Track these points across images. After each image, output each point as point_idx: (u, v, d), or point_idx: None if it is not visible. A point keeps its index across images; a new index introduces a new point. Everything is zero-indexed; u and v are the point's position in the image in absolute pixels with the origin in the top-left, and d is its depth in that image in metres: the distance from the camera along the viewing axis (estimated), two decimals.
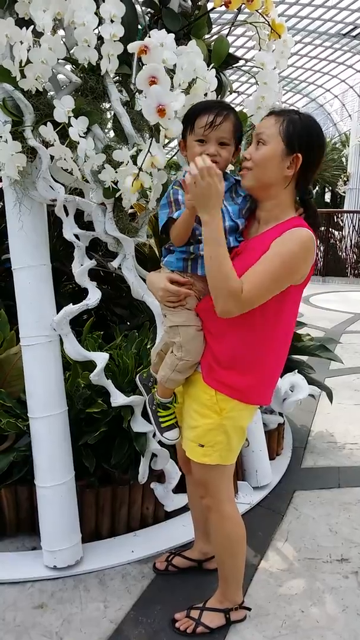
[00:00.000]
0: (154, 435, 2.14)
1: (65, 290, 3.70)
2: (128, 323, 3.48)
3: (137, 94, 2.13)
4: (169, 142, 1.92)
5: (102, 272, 3.88)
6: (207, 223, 1.59)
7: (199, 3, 2.47)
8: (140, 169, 1.74)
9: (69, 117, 1.85)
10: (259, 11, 2.10)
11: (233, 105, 1.82)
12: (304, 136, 1.63)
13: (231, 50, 2.44)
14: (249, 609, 2.07)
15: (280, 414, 3.28)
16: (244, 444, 2.77)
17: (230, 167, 1.87)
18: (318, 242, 12.86)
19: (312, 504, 2.84)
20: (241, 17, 2.33)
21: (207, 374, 1.79)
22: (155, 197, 2.02)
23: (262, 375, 1.81)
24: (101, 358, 2.23)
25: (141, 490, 2.52)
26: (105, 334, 3.11)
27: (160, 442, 2.24)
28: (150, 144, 1.72)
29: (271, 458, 3.19)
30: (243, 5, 2.11)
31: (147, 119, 1.68)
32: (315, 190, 20.12)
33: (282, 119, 1.64)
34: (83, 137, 1.87)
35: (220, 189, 1.56)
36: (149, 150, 1.71)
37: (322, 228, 13.06)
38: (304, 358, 3.62)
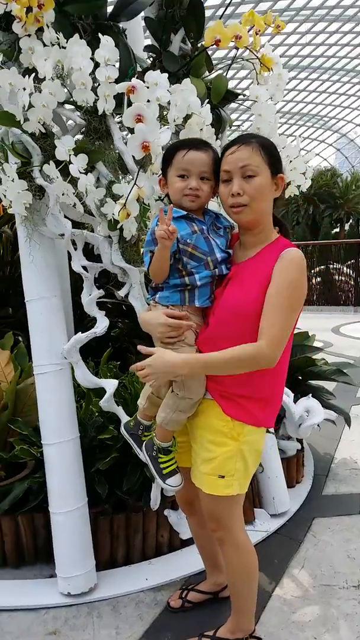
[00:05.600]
0: (153, 479, 2.10)
1: (87, 322, 3.81)
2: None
3: None
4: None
5: (124, 307, 3.97)
6: (189, 372, 1.70)
7: (198, 45, 2.61)
8: (127, 200, 1.82)
9: (70, 155, 1.97)
10: (249, 47, 2.20)
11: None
12: (277, 156, 1.71)
13: (239, 86, 2.56)
14: (260, 639, 2.04)
15: (299, 441, 3.27)
16: (258, 469, 2.79)
17: (214, 204, 1.90)
18: (350, 271, 12.81)
19: (331, 531, 2.79)
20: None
21: (227, 405, 1.76)
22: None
23: (274, 398, 1.83)
24: (110, 385, 2.30)
25: (155, 517, 2.53)
26: (124, 365, 3.19)
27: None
28: (137, 176, 1.81)
29: (291, 486, 3.17)
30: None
31: (132, 154, 1.77)
32: (349, 223, 20.15)
33: (255, 146, 1.68)
34: (83, 173, 1.98)
35: (173, 358, 1.67)
36: (135, 182, 1.80)
37: (353, 260, 13.07)
38: (322, 383, 3.60)
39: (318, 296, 13.37)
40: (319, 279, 13.58)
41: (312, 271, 13.59)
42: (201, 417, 1.82)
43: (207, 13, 2.52)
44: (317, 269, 13.57)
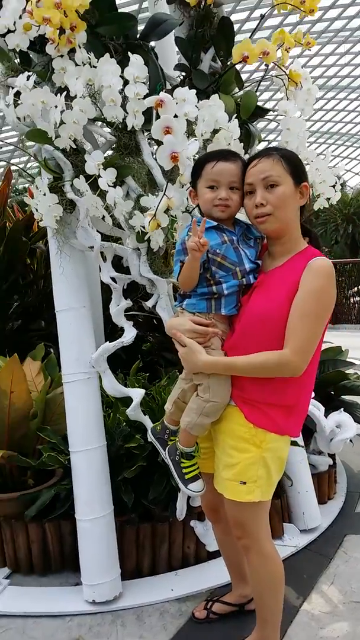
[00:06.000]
0: (178, 488, 2.13)
1: (118, 335, 3.87)
2: (177, 366, 3.57)
3: None
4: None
5: (154, 321, 4.02)
6: (214, 372, 1.77)
7: (228, 63, 2.67)
8: (156, 210, 1.87)
9: (99, 169, 2.04)
10: (276, 63, 2.24)
11: None
12: (300, 165, 1.74)
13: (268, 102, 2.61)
14: None
15: (331, 456, 3.22)
16: (287, 483, 2.76)
17: (242, 214, 1.94)
18: None
19: None
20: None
21: (250, 411, 1.77)
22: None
23: (299, 407, 1.83)
24: (137, 394, 2.33)
25: (182, 528, 2.53)
26: (153, 377, 3.23)
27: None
28: (166, 187, 1.85)
29: (322, 502, 3.12)
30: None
31: (161, 164, 1.82)
32: None
33: (276, 157, 1.72)
34: (112, 186, 2.04)
35: (200, 360, 1.75)
36: (164, 193, 1.85)
37: None
38: (357, 399, 3.54)
39: (357, 315, 13.17)
40: (357, 298, 13.38)
41: (351, 290, 13.41)
42: (224, 422, 1.83)
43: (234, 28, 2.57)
44: (357, 288, 13.38)
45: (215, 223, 1.79)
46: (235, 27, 2.46)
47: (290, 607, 2.27)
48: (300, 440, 2.86)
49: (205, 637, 2.13)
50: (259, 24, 2.77)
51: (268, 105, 2.67)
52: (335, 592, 2.39)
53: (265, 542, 1.88)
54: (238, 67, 2.45)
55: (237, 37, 2.32)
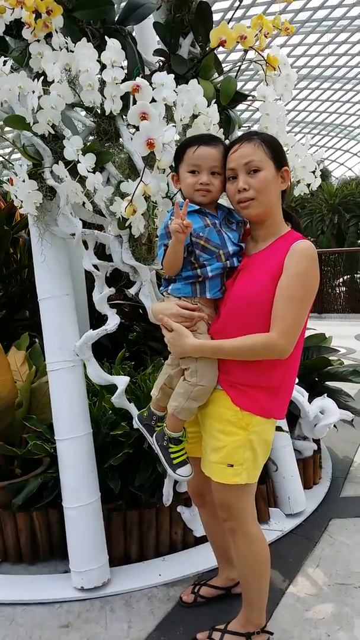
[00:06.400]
0: (167, 473, 2.14)
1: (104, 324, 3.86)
2: (162, 355, 3.58)
3: None
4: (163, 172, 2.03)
5: (140, 310, 4.02)
6: (202, 355, 1.77)
7: (207, 49, 2.66)
8: (132, 196, 1.87)
9: (78, 155, 2.02)
10: (254, 48, 2.23)
11: None
12: (281, 149, 1.74)
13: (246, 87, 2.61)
14: (272, 633, 2.02)
15: (316, 442, 3.24)
16: (272, 468, 2.78)
17: (223, 199, 1.94)
18: None
19: (348, 532, 2.76)
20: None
21: (236, 395, 1.78)
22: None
23: (284, 390, 1.85)
24: (122, 381, 2.32)
25: (169, 514, 2.54)
26: (139, 366, 3.23)
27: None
28: (143, 172, 1.85)
29: (308, 487, 3.15)
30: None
31: (137, 150, 1.82)
32: None
33: (257, 142, 1.72)
34: (91, 172, 2.03)
35: (188, 343, 1.75)
36: (141, 179, 1.84)
37: None
38: (343, 387, 3.57)
39: (343, 304, 13.25)
40: (344, 288, 13.45)
41: (337, 280, 13.48)
42: (211, 406, 1.85)
43: (217, 17, 2.57)
44: (342, 278, 13.45)
45: (197, 207, 1.79)
46: (218, 15, 2.45)
47: (276, 590, 2.30)
48: (284, 425, 2.88)
49: (192, 621, 2.14)
50: (237, 7, 2.76)
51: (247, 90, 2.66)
52: (320, 575, 2.42)
53: (251, 524, 1.89)
54: (223, 55, 2.44)
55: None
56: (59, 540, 2.52)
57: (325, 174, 22.33)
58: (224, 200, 1.97)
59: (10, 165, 2.29)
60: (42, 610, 2.26)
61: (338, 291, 13.41)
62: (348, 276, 13.50)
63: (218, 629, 2.02)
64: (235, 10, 2.86)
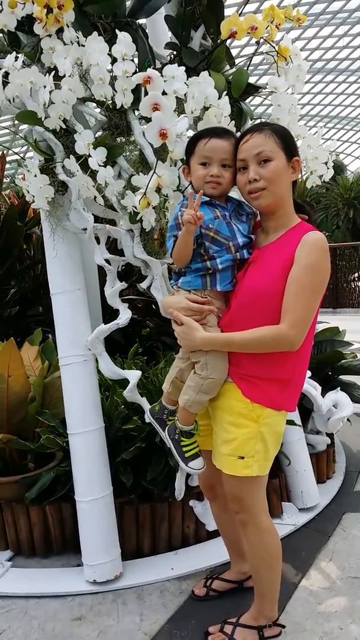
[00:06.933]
0: (178, 467, 2.15)
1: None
2: (174, 350, 3.58)
3: None
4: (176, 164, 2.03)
5: (153, 306, 4.02)
6: (212, 349, 1.77)
7: (218, 41, 2.64)
8: (146, 188, 1.86)
9: (89, 149, 2.02)
10: (265, 38, 2.21)
11: None
12: (291, 140, 1.73)
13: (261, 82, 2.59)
14: (284, 626, 2.02)
15: (330, 436, 3.23)
16: (285, 462, 2.77)
17: (234, 192, 1.93)
18: None
19: None
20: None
21: (247, 387, 1.78)
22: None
23: (295, 382, 1.84)
24: (133, 375, 2.33)
25: (181, 508, 2.55)
26: (151, 361, 3.23)
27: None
28: (156, 165, 1.84)
29: (321, 481, 3.13)
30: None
31: (150, 141, 1.81)
32: None
33: (268, 132, 1.71)
34: (102, 165, 2.03)
35: (198, 337, 1.75)
36: (154, 171, 1.84)
37: None
38: (356, 380, 3.54)
39: (358, 299, 13.15)
40: (359, 283, 13.35)
41: (352, 275, 13.38)
42: (221, 399, 1.85)
43: (229, 11, 2.54)
44: (358, 273, 13.35)
45: (207, 198, 1.79)
46: (231, 10, 2.43)
47: (289, 584, 2.29)
48: (297, 419, 2.86)
49: (205, 614, 2.15)
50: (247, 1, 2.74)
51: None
52: (333, 569, 2.41)
53: (262, 516, 1.89)
54: (237, 50, 2.43)
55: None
56: (72, 534, 2.54)
57: (340, 168, 22.10)
58: (234, 193, 1.96)
59: (25, 163, 2.29)
60: (55, 603, 2.28)
61: (353, 285, 13.31)
62: None
63: (230, 622, 2.02)
64: (247, 2, 2.83)
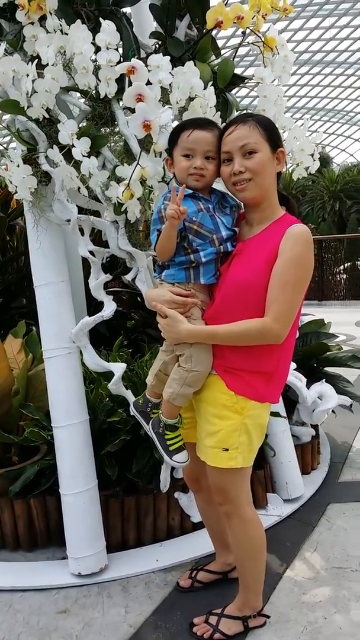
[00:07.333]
0: (162, 461, 2.14)
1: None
2: (160, 342, 3.57)
3: None
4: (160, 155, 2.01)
5: (138, 298, 4.01)
6: (196, 341, 1.77)
7: (204, 31, 2.62)
8: (130, 180, 1.84)
9: (72, 139, 2.00)
10: (251, 28, 2.20)
11: None
12: (276, 131, 1.72)
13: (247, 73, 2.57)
14: (268, 617, 2.03)
15: (314, 428, 3.24)
16: (270, 453, 2.78)
17: (218, 184, 1.92)
18: None
19: (346, 516, 2.77)
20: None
21: (231, 380, 1.78)
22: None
23: (278, 374, 1.84)
24: (118, 368, 2.32)
25: (166, 500, 2.55)
26: (136, 353, 3.22)
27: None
28: (139, 156, 1.82)
29: (306, 472, 3.15)
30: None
31: (133, 133, 1.79)
32: None
33: (252, 123, 1.70)
34: (86, 156, 2.01)
35: (182, 329, 1.74)
36: (137, 162, 1.82)
37: None
38: (342, 372, 3.57)
39: (344, 291, 13.24)
40: (344, 276, 13.43)
41: (337, 268, 13.46)
42: (206, 391, 1.84)
43: (216, 0, 2.52)
44: (343, 265, 13.43)
45: (191, 191, 1.77)
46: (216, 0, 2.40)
47: (273, 575, 2.30)
48: (282, 411, 2.87)
49: (190, 605, 2.15)
50: None
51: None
52: (317, 559, 2.43)
53: (247, 507, 1.90)
54: (223, 41, 2.41)
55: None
56: (57, 527, 2.53)
57: (326, 160, 22.17)
58: (219, 185, 1.95)
59: (8, 153, 2.26)
60: (40, 596, 2.27)
61: (339, 278, 13.40)
62: (349, 263, 13.49)
63: (215, 613, 2.03)
64: None
